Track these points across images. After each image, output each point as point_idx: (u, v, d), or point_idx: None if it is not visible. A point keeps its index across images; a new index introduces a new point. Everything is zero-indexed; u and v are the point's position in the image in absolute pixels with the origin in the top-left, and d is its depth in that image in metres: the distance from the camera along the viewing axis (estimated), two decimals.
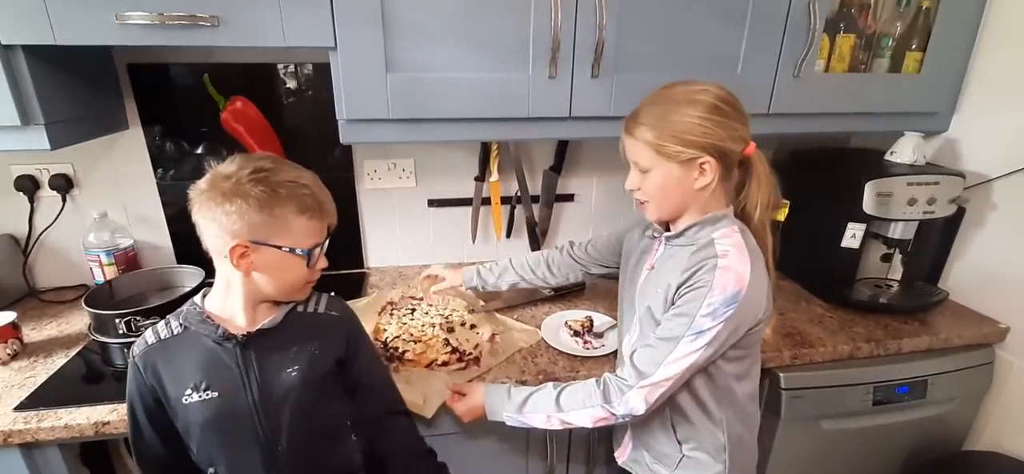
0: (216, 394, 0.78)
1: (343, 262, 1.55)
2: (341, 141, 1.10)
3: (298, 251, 0.78)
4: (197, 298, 0.84)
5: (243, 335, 0.79)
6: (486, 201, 1.53)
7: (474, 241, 1.56)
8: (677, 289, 0.81)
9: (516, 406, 0.90)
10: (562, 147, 1.50)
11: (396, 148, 1.45)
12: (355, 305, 1.22)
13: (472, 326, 1.23)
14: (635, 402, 0.81)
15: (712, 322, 0.76)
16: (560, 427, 0.89)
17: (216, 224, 0.74)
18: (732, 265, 0.77)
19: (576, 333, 1.18)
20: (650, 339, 0.83)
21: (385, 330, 1.16)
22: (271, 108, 1.34)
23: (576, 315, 1.24)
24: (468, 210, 1.54)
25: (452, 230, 1.57)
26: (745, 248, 0.80)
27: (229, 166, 0.76)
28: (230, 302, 0.81)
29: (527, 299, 1.37)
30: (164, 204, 1.40)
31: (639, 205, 0.91)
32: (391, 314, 1.22)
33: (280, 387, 0.80)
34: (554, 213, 1.59)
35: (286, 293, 0.82)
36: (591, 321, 1.22)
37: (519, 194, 1.54)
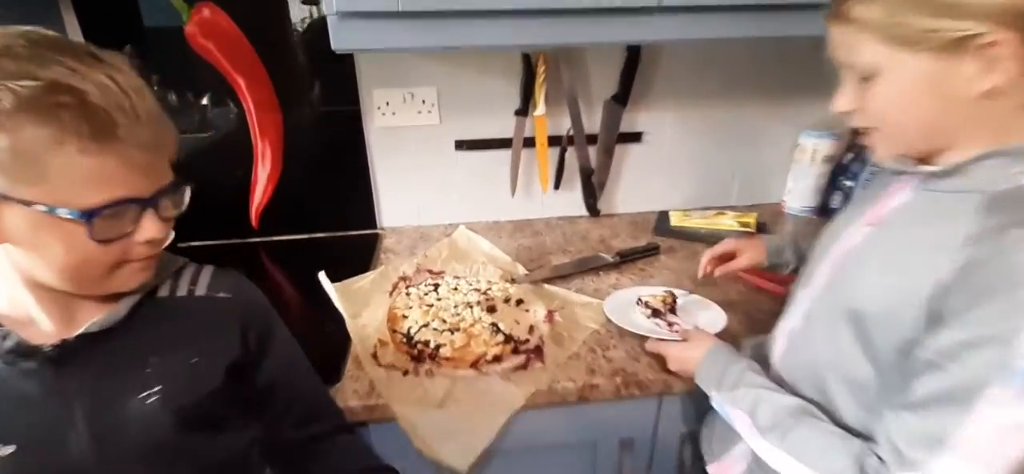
0: (12, 448, 0.48)
1: (350, 221, 1.24)
2: (333, 47, 0.77)
3: (65, 212, 0.44)
4: None
5: (53, 346, 0.49)
6: (529, 142, 1.19)
7: (514, 194, 1.23)
8: (955, 284, 0.44)
9: (729, 385, 0.64)
10: (631, 67, 1.14)
11: (413, 70, 1.11)
12: (355, 285, 0.92)
13: (519, 302, 0.91)
14: None
15: None
16: (765, 454, 0.59)
17: None
18: None
19: (655, 313, 0.85)
20: (908, 391, 0.47)
21: (405, 317, 0.85)
22: (252, 20, 1.01)
23: (652, 290, 0.90)
24: (506, 154, 1.20)
25: (486, 180, 1.24)
26: None
27: None
28: (16, 293, 0.50)
29: (579, 268, 1.04)
30: None
31: (861, 137, 0.56)
32: (407, 294, 0.91)
33: (128, 425, 0.51)
34: (616, 157, 1.24)
35: (76, 281, 0.49)
36: (673, 297, 0.88)
37: (571, 132, 1.19)
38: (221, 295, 0.61)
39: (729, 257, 0.85)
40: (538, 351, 0.80)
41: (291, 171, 1.14)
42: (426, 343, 0.77)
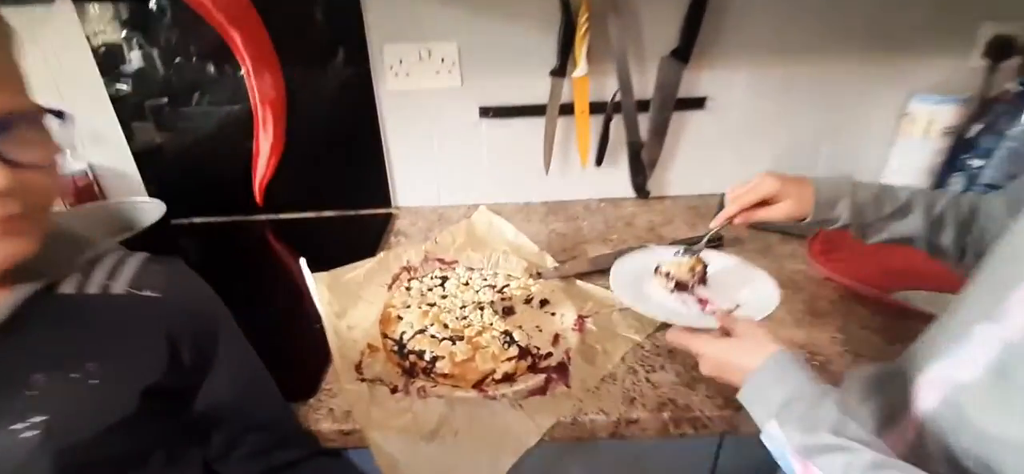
0: None
1: (361, 198, 1.10)
2: None
3: None
4: None
5: None
6: (567, 109, 1.00)
7: (548, 171, 1.05)
8: None
9: (801, 422, 0.44)
10: (695, 15, 0.92)
11: (429, 20, 0.94)
12: (346, 275, 0.77)
13: (543, 303, 0.74)
14: None
15: None
16: None
17: None
18: None
19: (679, 286, 0.66)
20: None
21: (401, 318, 0.69)
22: None
23: (672, 254, 0.70)
24: (539, 124, 1.01)
25: (515, 153, 1.06)
26: None
27: None
28: None
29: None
30: (121, 118, 1.01)
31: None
32: (407, 288, 0.75)
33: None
34: (672, 128, 1.03)
35: None
36: (704, 265, 0.68)
37: (619, 97, 0.99)
38: (146, 293, 0.48)
39: (764, 203, 0.62)
40: (562, 370, 0.63)
41: (298, 141, 1.01)
42: (420, 354, 0.62)
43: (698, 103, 1.01)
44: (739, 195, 0.62)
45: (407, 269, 0.81)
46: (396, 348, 0.63)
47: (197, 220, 1.09)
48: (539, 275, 0.80)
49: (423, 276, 0.78)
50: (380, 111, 1.02)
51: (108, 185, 1.07)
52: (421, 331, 0.64)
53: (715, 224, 0.64)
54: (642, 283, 0.68)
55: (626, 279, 0.68)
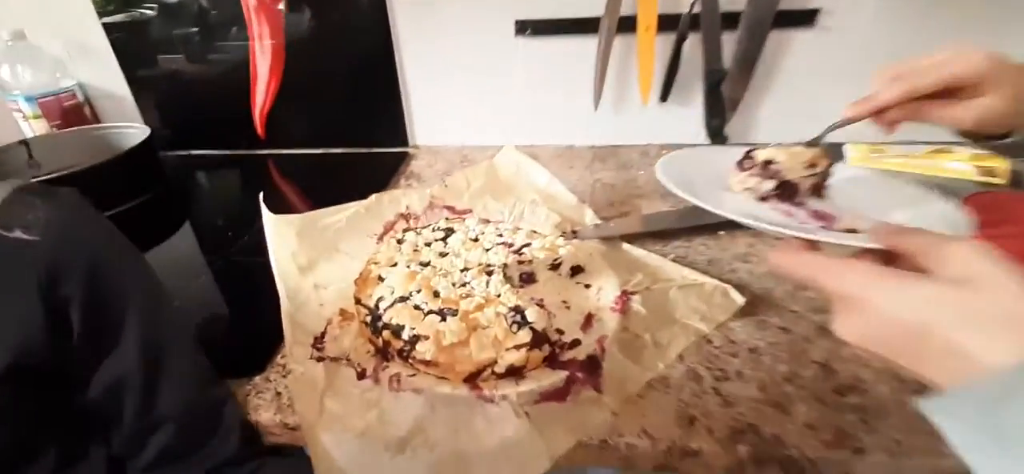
0: None
1: (372, 135, 0.94)
2: None
3: None
4: None
5: None
6: (627, 24, 0.77)
7: (597, 105, 0.84)
8: None
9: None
10: None
11: None
12: (324, 219, 0.60)
13: (575, 270, 0.55)
14: None
15: None
16: None
17: None
18: None
19: (783, 192, 0.43)
20: None
21: (382, 279, 0.52)
22: None
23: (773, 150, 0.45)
24: (589, 44, 0.80)
25: (557, 83, 0.86)
26: None
27: None
28: None
29: (686, 221, 0.63)
30: (110, 34, 0.90)
31: None
32: (399, 241, 0.58)
33: None
34: (768, 53, 0.78)
35: None
36: (830, 163, 0.45)
37: (697, 7, 0.75)
38: (16, 235, 0.34)
39: (946, 95, 0.37)
40: (592, 366, 0.44)
41: (302, 68, 0.86)
42: (397, 330, 0.45)
43: (807, 18, 0.76)
44: (912, 71, 0.37)
45: (405, 217, 0.64)
46: (369, 319, 0.47)
47: (196, 152, 0.97)
48: (574, 233, 0.61)
49: (423, 227, 0.61)
50: (395, 29, 0.84)
51: (102, 109, 0.97)
52: (403, 299, 0.47)
53: (854, 112, 0.39)
54: (712, 184, 0.45)
55: (685, 170, 0.45)
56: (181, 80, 0.92)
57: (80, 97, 0.93)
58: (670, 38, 0.78)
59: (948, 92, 0.37)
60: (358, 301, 0.49)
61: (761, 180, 0.44)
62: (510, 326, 0.45)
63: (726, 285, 0.52)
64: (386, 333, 0.45)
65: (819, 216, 0.42)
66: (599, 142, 0.90)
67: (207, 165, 0.95)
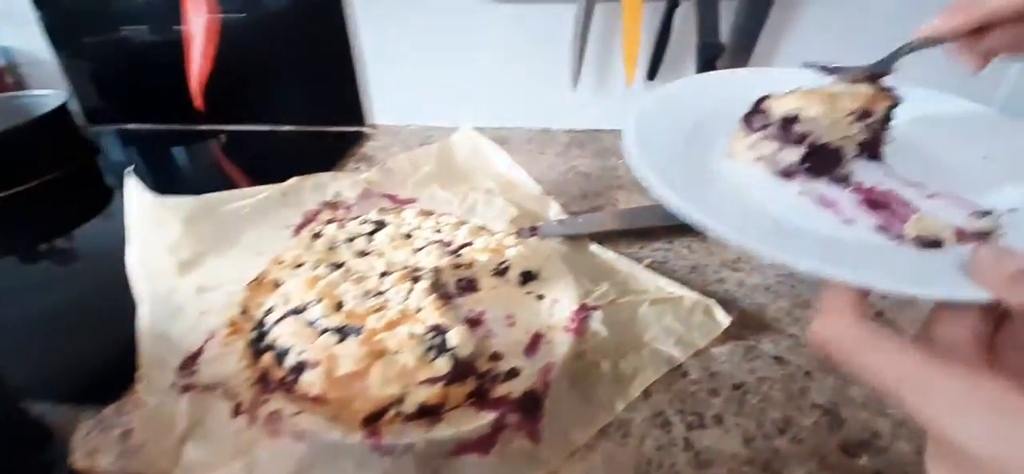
0: None
1: (325, 111, 0.83)
2: None
3: None
4: None
5: None
6: None
7: (575, 84, 0.73)
8: None
9: None
10: None
11: None
12: (225, 206, 0.50)
13: (526, 278, 0.45)
14: None
15: None
16: None
17: None
18: None
19: (815, 164, 0.29)
20: None
21: (279, 284, 0.41)
22: None
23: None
24: (566, 12, 0.69)
25: (532, 57, 0.75)
26: None
27: None
28: None
29: (669, 219, 0.52)
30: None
31: None
32: (315, 236, 0.47)
33: None
34: (771, 22, 0.67)
35: None
36: (888, 103, 0.30)
37: None
38: None
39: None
40: (530, 405, 0.34)
41: (246, 33, 0.76)
42: (281, 354, 0.35)
43: None
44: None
45: (332, 205, 0.54)
46: (253, 336, 0.37)
47: (131, 126, 0.87)
48: (533, 230, 0.51)
49: (352, 218, 0.51)
50: None
51: (29, 76, 0.87)
52: (296, 311, 0.37)
53: (943, 26, 0.27)
54: (708, 154, 0.31)
55: (672, 135, 0.30)
56: (115, 47, 0.82)
57: (2, 62, 0.83)
58: (659, 7, 0.67)
59: None
60: (244, 311, 0.40)
61: (781, 146, 0.29)
62: (426, 351, 0.35)
63: (709, 300, 0.42)
64: (266, 357, 0.35)
65: (877, 203, 0.27)
66: (578, 126, 0.80)
67: (142, 140, 0.85)
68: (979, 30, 0.25)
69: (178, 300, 0.41)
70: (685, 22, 0.69)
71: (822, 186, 0.29)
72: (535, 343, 0.39)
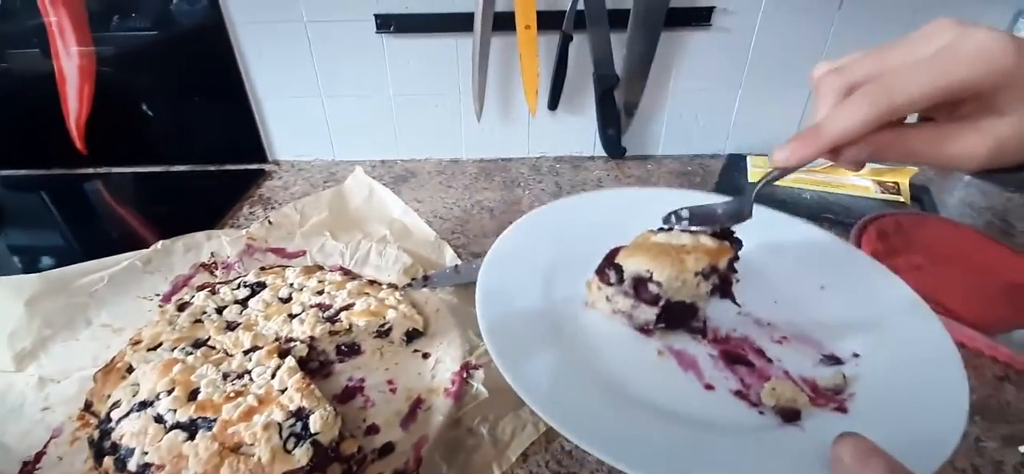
0: None
1: (223, 149, 0.79)
2: None
3: None
4: None
5: None
6: (502, 22, 0.66)
7: (480, 116, 0.73)
8: None
9: None
10: None
11: None
12: (79, 280, 0.45)
13: (411, 336, 0.44)
14: None
15: None
16: None
17: None
18: None
19: (670, 320, 0.32)
20: None
21: (132, 370, 0.38)
22: None
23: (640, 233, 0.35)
24: (463, 44, 0.69)
25: (433, 88, 0.74)
26: None
27: None
28: None
29: None
30: None
31: None
32: (179, 308, 0.44)
33: None
34: (660, 55, 0.69)
35: None
36: (735, 243, 0.33)
37: (581, 3, 0.65)
38: None
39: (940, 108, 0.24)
40: None
41: (127, 66, 0.71)
42: (123, 458, 0.32)
43: (702, 16, 0.67)
44: (879, 70, 0.24)
45: (209, 268, 0.51)
46: (98, 436, 0.34)
47: (7, 172, 0.79)
48: (426, 280, 0.50)
49: (220, 285, 0.48)
50: (228, 17, 0.69)
51: None
52: (144, 404, 0.35)
53: (791, 155, 0.27)
54: (565, 308, 0.34)
55: (516, 278, 0.36)
56: None
57: None
58: (554, 38, 0.68)
59: (946, 105, 0.24)
60: (88, 408, 0.36)
61: (635, 304, 0.32)
62: (285, 441, 0.33)
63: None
64: (107, 461, 0.33)
65: (734, 357, 0.30)
66: (486, 155, 0.79)
67: (17, 186, 0.78)
68: (833, 150, 0.26)
69: (13, 399, 0.37)
70: (581, 54, 0.70)
71: (680, 341, 0.32)
72: (413, 411, 0.39)
